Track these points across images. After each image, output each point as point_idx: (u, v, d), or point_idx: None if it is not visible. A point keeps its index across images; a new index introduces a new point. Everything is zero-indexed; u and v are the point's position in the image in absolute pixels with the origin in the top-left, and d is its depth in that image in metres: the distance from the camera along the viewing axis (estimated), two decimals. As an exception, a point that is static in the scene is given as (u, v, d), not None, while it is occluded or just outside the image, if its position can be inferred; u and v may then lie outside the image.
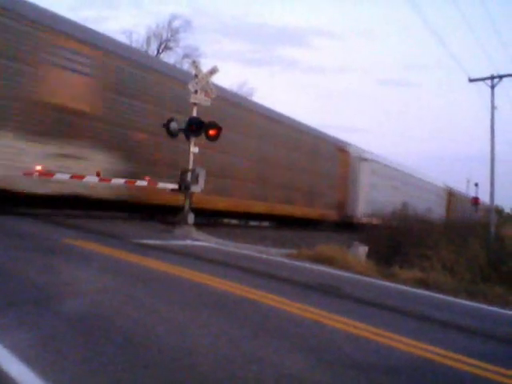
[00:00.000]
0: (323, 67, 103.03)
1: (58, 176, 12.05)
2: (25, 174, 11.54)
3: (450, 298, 8.65)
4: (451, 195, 46.04)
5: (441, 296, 8.71)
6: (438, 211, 36.49)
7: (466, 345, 5.30)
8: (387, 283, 9.37)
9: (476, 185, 45.72)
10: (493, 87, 24.82)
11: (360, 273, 10.06)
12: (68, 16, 14.85)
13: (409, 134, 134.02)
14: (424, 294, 8.70)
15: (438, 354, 4.49)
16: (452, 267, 11.50)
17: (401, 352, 4.47)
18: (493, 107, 24.71)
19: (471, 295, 9.37)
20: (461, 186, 53.85)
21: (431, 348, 4.65)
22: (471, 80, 25.68)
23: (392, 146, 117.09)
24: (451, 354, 4.53)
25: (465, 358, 4.46)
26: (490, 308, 8.31)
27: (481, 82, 25.53)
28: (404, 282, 9.75)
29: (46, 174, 11.84)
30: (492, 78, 24.97)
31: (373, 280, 9.52)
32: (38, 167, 11.65)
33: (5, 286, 5.06)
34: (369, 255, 12.49)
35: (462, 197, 49.51)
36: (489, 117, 24.65)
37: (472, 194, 47.28)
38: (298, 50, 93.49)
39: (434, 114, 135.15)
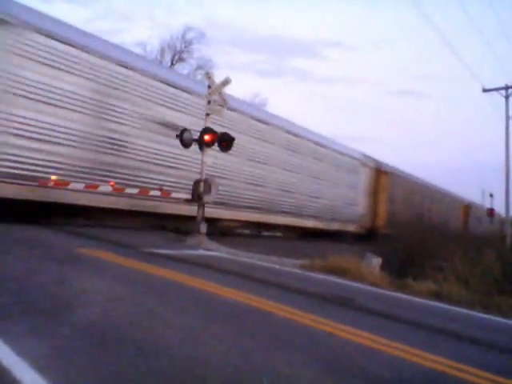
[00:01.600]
0: (335, 78, 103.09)
1: (73, 186, 12.18)
2: (39, 184, 11.69)
3: (464, 311, 8.54)
4: (382, 174, 29.13)
5: (455, 308, 8.61)
6: (350, 200, 26.36)
7: (480, 358, 5.22)
8: (401, 295, 9.28)
9: (491, 195, 45.06)
10: (507, 97, 24.72)
11: (373, 284, 9.98)
12: (84, 28, 14.58)
13: (422, 145, 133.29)
14: (438, 306, 8.60)
15: (452, 367, 4.43)
16: (466, 279, 11.36)
17: (414, 364, 4.42)
18: (507, 117, 24.61)
19: (486, 308, 9.24)
20: (476, 197, 51.47)
21: (444, 360, 4.60)
22: (485, 90, 25.61)
23: (406, 156, 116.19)
24: (465, 367, 4.47)
25: (479, 372, 4.39)
26: (505, 321, 8.19)
27: (495, 92, 25.47)
28: (418, 294, 9.64)
29: (61, 183, 11.98)
30: (506, 88, 24.89)
31: (386, 292, 9.44)
32: (54, 177, 11.80)
33: (18, 295, 5.11)
34: (382, 267, 12.40)
35: (411, 182, 32.42)
36: (503, 127, 24.56)
37: (488, 204, 46.08)
38: (309, 61, 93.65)
39: (447, 124, 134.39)
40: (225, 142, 14.31)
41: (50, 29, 12.96)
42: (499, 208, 34.90)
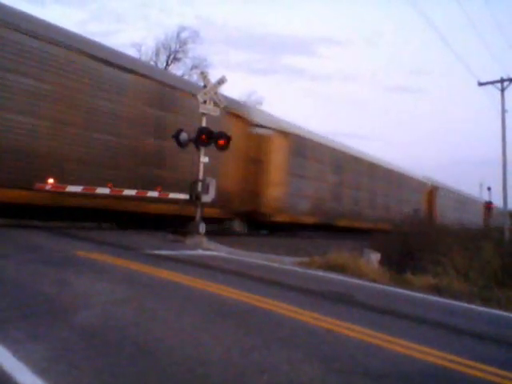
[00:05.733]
0: (329, 75, 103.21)
1: (70, 188, 12.16)
2: (38, 188, 11.66)
3: (464, 304, 8.56)
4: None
5: (454, 302, 8.64)
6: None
7: (481, 351, 5.24)
8: (400, 290, 9.30)
9: (489, 189, 45.30)
10: (503, 90, 24.73)
11: (373, 280, 10.00)
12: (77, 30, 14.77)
13: (419, 141, 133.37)
14: (437, 301, 8.62)
15: (452, 361, 4.45)
16: (466, 273, 11.38)
17: (414, 359, 4.43)
18: (503, 110, 24.62)
19: (485, 301, 9.27)
20: (474, 191, 52.59)
21: (445, 355, 4.61)
22: (481, 84, 25.63)
23: (402, 152, 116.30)
24: (465, 361, 4.48)
25: (479, 365, 4.41)
26: (504, 314, 8.22)
27: (490, 86, 25.48)
28: (417, 289, 9.67)
29: (58, 187, 11.96)
30: (502, 81, 24.90)
31: (386, 287, 9.46)
32: (51, 180, 11.78)
33: (18, 299, 5.12)
34: (381, 262, 12.41)
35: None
36: (500, 120, 24.59)
37: (486, 198, 46.66)
38: (304, 58, 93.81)
39: (444, 119, 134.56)
40: (222, 140, 14.31)
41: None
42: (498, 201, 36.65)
